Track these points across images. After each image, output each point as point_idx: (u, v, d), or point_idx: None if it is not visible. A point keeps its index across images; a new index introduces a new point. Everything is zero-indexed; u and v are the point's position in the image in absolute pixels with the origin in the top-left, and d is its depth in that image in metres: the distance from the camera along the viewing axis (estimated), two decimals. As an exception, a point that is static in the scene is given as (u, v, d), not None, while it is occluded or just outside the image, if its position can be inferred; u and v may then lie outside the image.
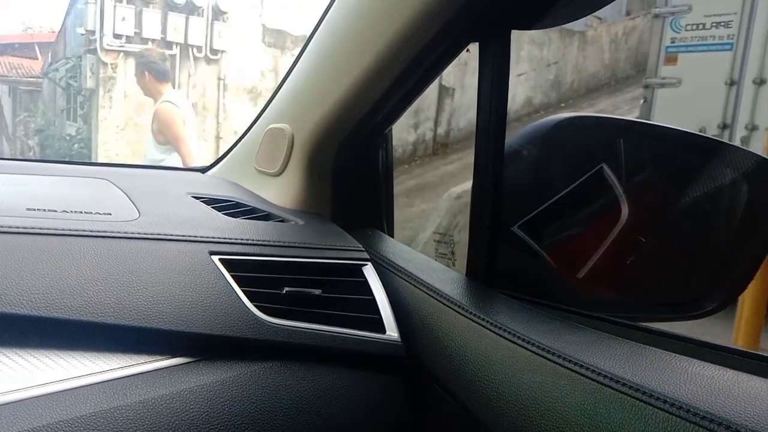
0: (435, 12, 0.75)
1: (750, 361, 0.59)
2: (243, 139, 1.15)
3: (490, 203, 0.78)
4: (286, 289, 0.74)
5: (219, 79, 10.06)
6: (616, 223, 0.90)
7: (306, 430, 0.68)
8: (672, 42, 5.37)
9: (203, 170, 1.27)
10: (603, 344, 0.62)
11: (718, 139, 0.91)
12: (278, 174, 0.98)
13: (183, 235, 0.75)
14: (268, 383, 0.67)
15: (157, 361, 0.64)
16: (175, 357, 0.65)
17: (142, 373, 0.62)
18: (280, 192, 0.99)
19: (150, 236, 0.73)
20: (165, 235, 0.74)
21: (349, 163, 0.96)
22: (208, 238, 0.76)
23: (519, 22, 0.78)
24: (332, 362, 0.73)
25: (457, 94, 8.47)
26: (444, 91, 8.38)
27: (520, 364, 0.63)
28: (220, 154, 1.26)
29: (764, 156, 0.85)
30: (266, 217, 0.92)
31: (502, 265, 0.80)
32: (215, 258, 0.73)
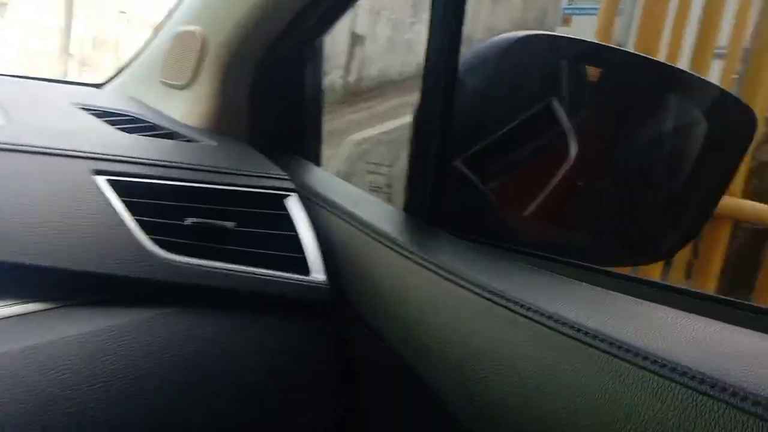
0: None
1: (715, 305, 0.50)
2: (147, 47, 0.96)
3: (438, 133, 0.65)
4: (190, 220, 0.60)
5: (121, 12, 9.40)
6: (564, 161, 0.82)
7: (216, 384, 0.54)
8: (569, 3, 5.42)
9: (98, 85, 1.07)
10: (560, 288, 0.51)
11: (682, 68, 0.82)
12: (187, 86, 0.81)
13: (58, 149, 0.58)
14: (167, 331, 0.53)
15: (22, 304, 0.49)
16: (47, 301, 0.50)
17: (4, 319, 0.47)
18: (188, 108, 0.82)
19: (12, 147, 0.56)
20: (35, 147, 0.57)
21: (271, 76, 0.79)
22: (92, 153, 0.59)
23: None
24: (247, 307, 0.60)
25: (369, 43, 8.27)
26: (356, 39, 8.15)
27: (466, 310, 0.52)
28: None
29: (725, 89, 0.78)
30: (170, 135, 0.76)
31: (444, 203, 0.68)
32: (100, 178, 0.58)
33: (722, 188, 0.76)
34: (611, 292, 0.51)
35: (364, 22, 8.36)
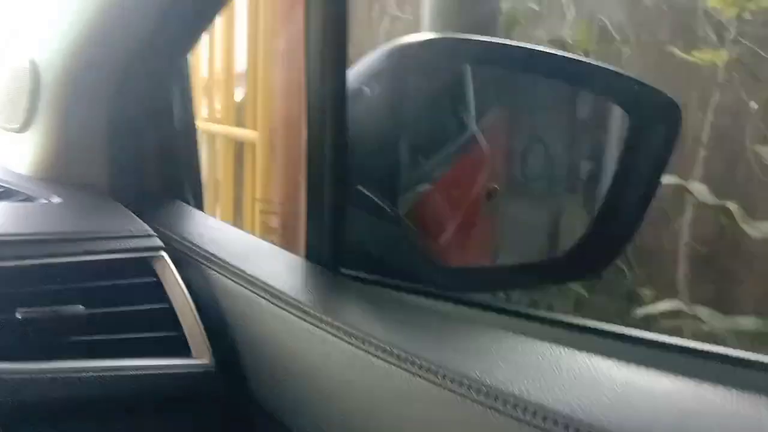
0: None
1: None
2: None
3: (332, 162, 0.52)
4: (22, 310, 0.44)
5: None
6: (478, 171, 0.72)
7: None
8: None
9: None
10: (482, 343, 0.40)
11: (590, 60, 0.73)
12: (22, 129, 0.64)
13: None
14: None
15: None
16: None
17: None
18: (28, 155, 0.64)
19: None
20: None
21: (130, 108, 0.63)
22: None
23: None
24: (111, 416, 0.45)
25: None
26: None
27: (386, 384, 0.40)
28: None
29: (642, 81, 0.69)
30: (5, 194, 0.59)
31: (349, 237, 0.55)
32: None
33: (653, 186, 0.67)
34: (533, 340, 0.40)
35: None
